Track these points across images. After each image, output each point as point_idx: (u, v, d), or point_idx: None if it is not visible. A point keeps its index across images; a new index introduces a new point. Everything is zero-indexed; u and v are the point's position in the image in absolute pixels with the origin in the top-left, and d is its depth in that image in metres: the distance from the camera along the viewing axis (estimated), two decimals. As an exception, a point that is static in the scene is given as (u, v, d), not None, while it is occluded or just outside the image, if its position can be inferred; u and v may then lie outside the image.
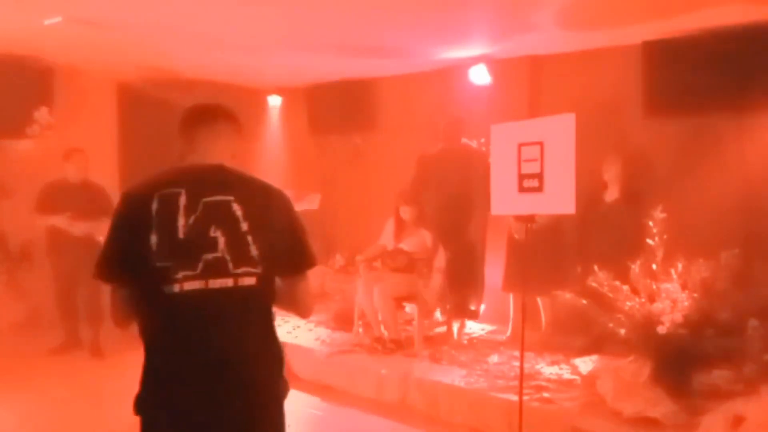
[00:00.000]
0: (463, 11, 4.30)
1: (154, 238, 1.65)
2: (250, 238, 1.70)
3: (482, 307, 5.39)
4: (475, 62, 5.49)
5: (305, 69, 6.37)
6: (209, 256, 1.67)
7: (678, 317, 3.52)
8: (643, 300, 3.70)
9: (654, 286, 3.70)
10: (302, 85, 7.10)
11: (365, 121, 6.73)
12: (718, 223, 4.45)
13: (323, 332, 5.30)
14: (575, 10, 4.25)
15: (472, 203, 4.97)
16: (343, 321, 5.38)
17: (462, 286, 5.03)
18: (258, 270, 1.71)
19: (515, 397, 3.46)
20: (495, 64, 5.48)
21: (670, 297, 3.60)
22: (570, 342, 4.69)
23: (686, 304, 3.56)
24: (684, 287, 3.64)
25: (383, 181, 6.05)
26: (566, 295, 4.03)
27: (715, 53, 4.52)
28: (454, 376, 4.16)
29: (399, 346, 4.71)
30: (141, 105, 6.86)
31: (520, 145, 3.24)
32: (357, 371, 4.49)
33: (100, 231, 5.24)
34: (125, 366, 5.26)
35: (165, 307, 1.68)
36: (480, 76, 5.52)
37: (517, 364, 3.65)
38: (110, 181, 5.79)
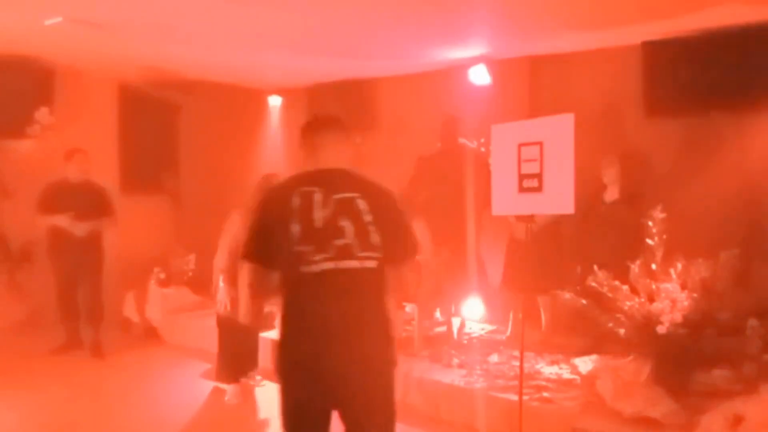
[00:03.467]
0: (463, 11, 4.30)
1: (295, 227, 2.03)
2: (372, 228, 2.08)
3: (482, 307, 5.39)
4: (475, 62, 5.49)
5: (305, 69, 6.37)
6: (339, 242, 2.04)
7: (677, 317, 3.52)
8: (642, 300, 3.70)
9: (653, 286, 3.70)
10: (302, 86, 7.10)
11: (365, 121, 6.73)
12: (718, 223, 4.46)
13: (323, 332, 5.30)
14: (575, 10, 4.25)
15: (470, 203, 4.97)
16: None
17: (460, 286, 5.03)
18: (377, 255, 2.09)
19: (515, 397, 3.46)
20: (495, 65, 5.48)
21: (670, 297, 3.60)
22: (570, 342, 4.69)
23: (686, 303, 3.56)
24: (683, 287, 3.64)
25: (383, 181, 6.05)
26: (566, 295, 4.03)
27: (715, 53, 4.52)
28: (454, 376, 4.16)
29: (398, 346, 4.70)
30: (141, 105, 6.88)
31: (520, 145, 3.24)
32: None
33: (103, 230, 5.27)
34: (125, 366, 5.30)
35: (303, 284, 2.06)
36: (480, 76, 5.52)
37: (516, 363, 3.65)
38: (110, 181, 5.81)
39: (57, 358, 5.17)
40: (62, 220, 5.06)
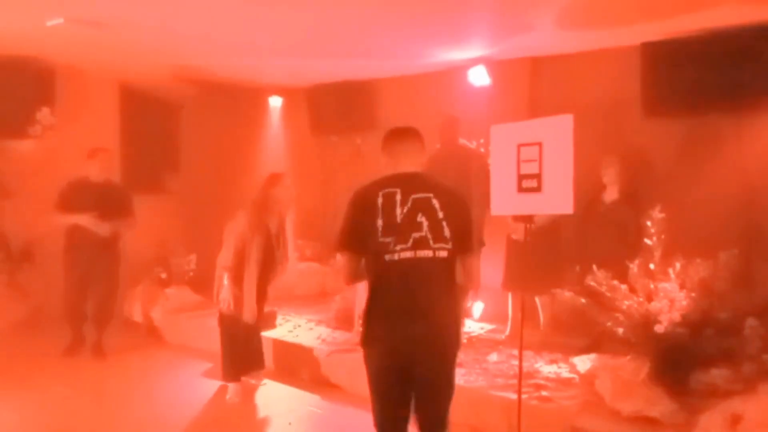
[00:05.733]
0: (462, 12, 4.32)
1: (380, 222, 2.41)
2: (444, 223, 2.45)
3: (481, 306, 5.41)
4: (474, 63, 5.50)
5: (306, 70, 6.38)
6: (417, 234, 2.41)
7: (676, 316, 3.53)
8: (641, 299, 3.71)
9: (652, 286, 3.72)
10: (303, 86, 7.11)
11: (365, 121, 6.74)
12: (717, 223, 4.47)
13: (324, 331, 5.32)
14: (575, 11, 4.26)
15: (470, 203, 4.98)
16: (343, 320, 5.39)
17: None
18: (449, 246, 2.45)
19: (514, 396, 3.47)
20: (494, 65, 5.49)
21: (668, 296, 3.62)
22: (569, 341, 4.70)
23: (684, 303, 3.57)
24: (682, 287, 3.65)
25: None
26: (565, 294, 4.05)
27: (715, 53, 4.53)
28: (454, 375, 4.17)
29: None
30: (142, 105, 6.90)
31: (520, 146, 3.25)
32: (357, 370, 4.47)
33: (122, 232, 5.21)
34: (126, 366, 5.31)
35: (386, 269, 2.43)
36: (479, 77, 5.53)
37: (516, 362, 3.66)
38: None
39: (56, 358, 5.17)
40: (85, 220, 4.96)
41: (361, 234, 2.46)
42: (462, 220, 2.51)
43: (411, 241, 2.41)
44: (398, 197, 2.45)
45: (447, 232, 2.45)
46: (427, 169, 5.51)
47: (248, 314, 4.24)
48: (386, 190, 2.47)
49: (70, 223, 5.03)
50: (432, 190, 2.49)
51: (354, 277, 2.57)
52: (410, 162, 2.59)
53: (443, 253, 2.45)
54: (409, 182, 2.51)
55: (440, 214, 2.45)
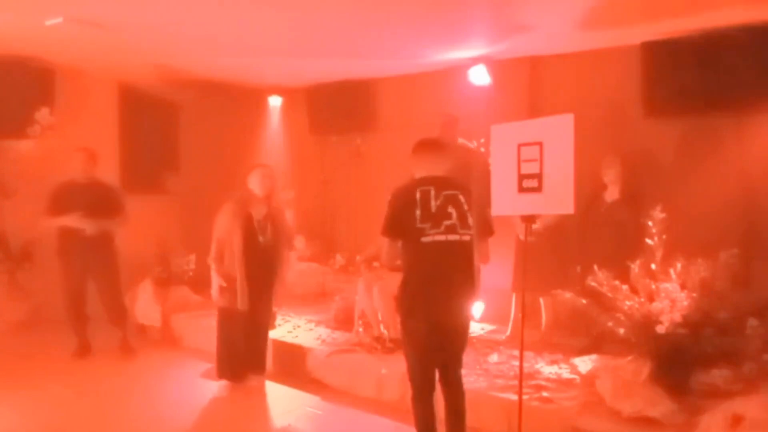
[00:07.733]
0: (462, 12, 4.31)
1: (418, 212, 2.99)
2: (468, 214, 3.05)
3: (482, 306, 5.40)
4: (474, 63, 5.50)
5: (306, 69, 6.38)
6: (447, 222, 3.00)
7: (677, 317, 3.52)
8: (642, 300, 3.70)
9: (653, 286, 3.71)
10: (303, 86, 7.11)
11: (365, 121, 6.74)
12: (718, 223, 4.46)
13: (323, 332, 5.31)
14: (574, 11, 4.26)
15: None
16: (343, 320, 5.39)
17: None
18: (471, 232, 3.05)
19: (515, 397, 3.46)
20: (495, 65, 5.49)
21: (670, 297, 3.61)
22: (569, 341, 4.69)
23: (685, 303, 3.56)
24: (683, 287, 3.64)
25: (383, 181, 6.07)
26: (566, 295, 4.04)
27: (715, 53, 4.52)
28: (454, 376, 4.16)
29: (399, 345, 4.71)
30: (142, 105, 6.89)
31: (520, 146, 3.24)
32: (357, 371, 4.50)
33: (113, 230, 5.21)
34: (125, 365, 5.29)
35: (422, 250, 3.01)
36: (480, 76, 5.53)
37: (516, 363, 3.65)
38: (111, 180, 5.80)
39: (57, 358, 5.16)
40: (71, 220, 4.94)
41: (401, 222, 3.02)
42: (480, 211, 3.09)
43: (443, 227, 2.97)
44: (432, 193, 3.01)
45: (470, 221, 3.03)
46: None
47: (241, 302, 4.25)
48: (422, 188, 3.04)
49: (59, 225, 5.01)
50: (458, 189, 3.08)
51: (393, 260, 3.12)
52: (436, 167, 3.16)
53: (467, 237, 3.03)
54: (440, 182, 3.08)
55: (465, 207, 3.03)
